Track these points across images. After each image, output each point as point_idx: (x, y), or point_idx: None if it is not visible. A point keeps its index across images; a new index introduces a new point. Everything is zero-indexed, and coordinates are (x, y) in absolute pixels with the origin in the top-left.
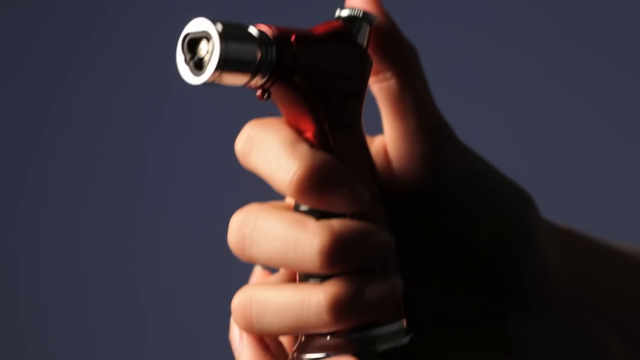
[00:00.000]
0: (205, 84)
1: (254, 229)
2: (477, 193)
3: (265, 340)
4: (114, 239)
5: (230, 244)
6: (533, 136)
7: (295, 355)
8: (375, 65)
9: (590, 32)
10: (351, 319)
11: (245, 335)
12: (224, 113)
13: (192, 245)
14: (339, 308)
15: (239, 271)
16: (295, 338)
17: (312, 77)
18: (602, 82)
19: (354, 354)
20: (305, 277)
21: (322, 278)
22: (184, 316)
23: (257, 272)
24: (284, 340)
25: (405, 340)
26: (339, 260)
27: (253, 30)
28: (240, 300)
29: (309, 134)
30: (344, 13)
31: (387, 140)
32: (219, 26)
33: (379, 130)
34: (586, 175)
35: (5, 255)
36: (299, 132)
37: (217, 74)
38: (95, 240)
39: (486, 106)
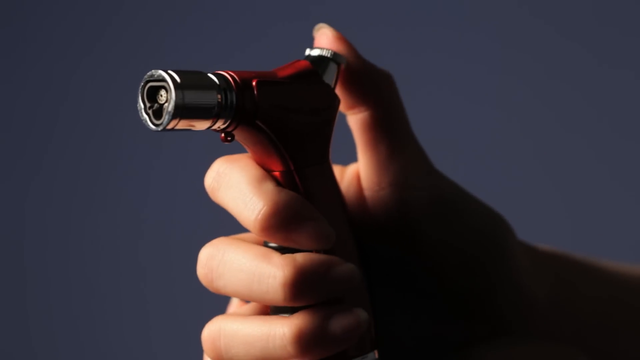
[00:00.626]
0: (165, 130)
1: (221, 262)
2: (447, 221)
3: None
4: (118, 244)
5: (199, 276)
6: (516, 156)
7: None
8: (348, 100)
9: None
10: (316, 351)
11: None
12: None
13: (172, 270)
14: (304, 340)
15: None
16: None
17: (275, 120)
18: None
19: None
20: (275, 310)
21: (291, 310)
22: (187, 319)
23: (234, 303)
24: None
25: None
26: (302, 292)
27: (212, 77)
28: (210, 331)
29: (276, 173)
30: (314, 53)
31: (359, 168)
32: (175, 76)
33: (354, 157)
34: (569, 193)
35: (10, 255)
36: (267, 170)
37: (175, 121)
38: (100, 245)
39: (472, 125)
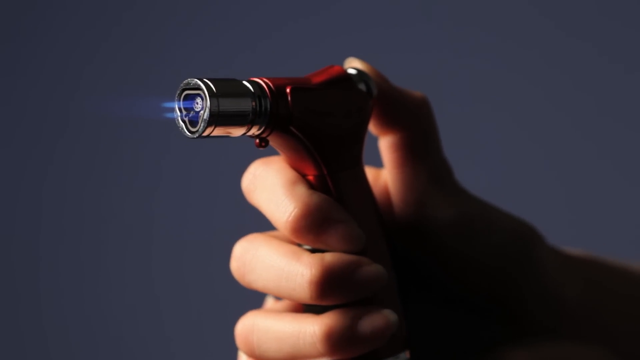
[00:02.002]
0: (200, 137)
1: (254, 257)
2: (472, 239)
3: None
4: (126, 246)
5: (232, 269)
6: (547, 159)
7: None
8: (381, 125)
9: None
10: (345, 351)
11: None
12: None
13: (210, 264)
14: (333, 340)
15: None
16: None
17: (309, 126)
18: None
19: None
20: (307, 308)
21: (323, 309)
22: (220, 314)
23: (270, 298)
24: None
25: None
26: (328, 291)
27: (246, 84)
28: (244, 326)
29: (310, 177)
30: (351, 71)
31: (387, 180)
32: (210, 84)
33: None
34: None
35: (23, 255)
36: (300, 174)
37: (211, 129)
38: (108, 244)
39: (498, 130)
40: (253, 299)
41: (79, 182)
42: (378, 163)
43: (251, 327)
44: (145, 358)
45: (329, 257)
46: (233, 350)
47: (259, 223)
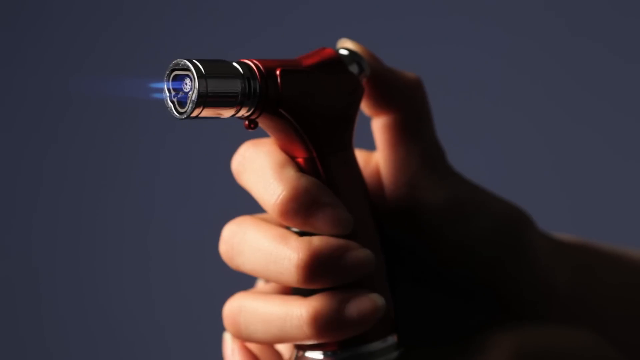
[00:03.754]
0: (189, 118)
1: (242, 240)
2: (462, 223)
3: (257, 353)
4: (122, 244)
5: (221, 252)
6: (538, 144)
7: None
8: (374, 105)
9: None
10: (332, 334)
11: (236, 350)
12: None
13: (200, 246)
14: (320, 323)
15: (230, 285)
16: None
17: (298, 108)
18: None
19: None
20: (295, 291)
21: (310, 292)
22: (192, 317)
23: (261, 281)
24: (285, 351)
25: (394, 355)
26: (315, 275)
27: (236, 65)
28: (231, 307)
29: (299, 159)
30: (342, 52)
31: (379, 162)
32: (199, 65)
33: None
34: (594, 184)
35: (18, 256)
36: (290, 156)
37: (199, 110)
38: (105, 244)
39: (491, 115)
40: (245, 284)
41: (73, 175)
42: (369, 146)
43: (238, 308)
44: (139, 346)
45: (316, 240)
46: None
47: (251, 205)
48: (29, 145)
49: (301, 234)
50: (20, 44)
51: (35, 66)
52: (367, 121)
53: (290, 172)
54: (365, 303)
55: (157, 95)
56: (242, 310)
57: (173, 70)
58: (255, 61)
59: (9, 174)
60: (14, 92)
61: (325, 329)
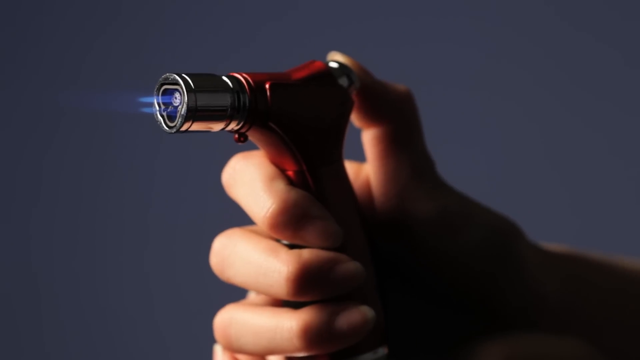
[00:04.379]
0: (179, 132)
1: (232, 252)
2: (452, 234)
3: None
4: (121, 243)
5: (212, 264)
6: (526, 154)
7: None
8: (365, 118)
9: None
10: (322, 346)
11: None
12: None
13: (175, 269)
14: (310, 335)
15: (220, 297)
16: None
17: (288, 121)
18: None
19: None
20: (285, 303)
21: (300, 304)
22: (199, 308)
23: (252, 294)
24: None
25: None
26: (305, 288)
27: (225, 79)
28: (222, 319)
29: (290, 172)
30: (332, 64)
31: (369, 173)
32: (188, 79)
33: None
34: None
35: (18, 255)
36: (280, 169)
37: (189, 124)
38: (104, 243)
39: (480, 124)
40: (239, 292)
41: (70, 173)
42: (359, 158)
43: (229, 320)
44: (135, 349)
45: (306, 253)
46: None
47: (242, 217)
48: (26, 147)
49: (291, 246)
50: (9, 55)
51: (26, 73)
52: (357, 133)
53: (280, 185)
54: (355, 315)
55: (146, 110)
56: (233, 322)
57: (162, 84)
58: (244, 75)
59: (9, 174)
60: (10, 94)
61: (316, 341)
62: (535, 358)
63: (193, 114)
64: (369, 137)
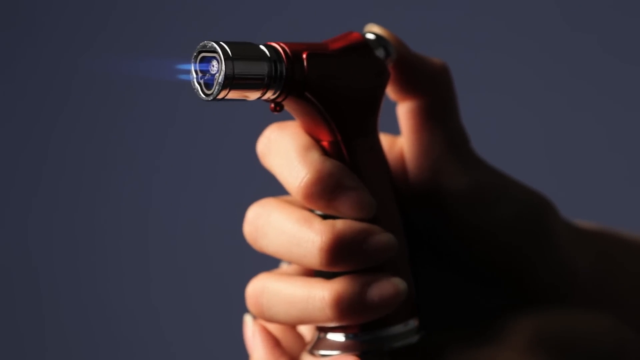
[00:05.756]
0: (215, 100)
1: (266, 222)
2: (484, 209)
3: (278, 335)
4: (126, 233)
5: (245, 233)
6: (562, 131)
7: (308, 349)
8: (401, 90)
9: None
10: (353, 317)
11: (257, 332)
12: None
13: (207, 238)
14: (342, 305)
15: (252, 267)
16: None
17: (324, 91)
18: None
19: (361, 353)
20: (318, 273)
21: (332, 275)
22: (197, 311)
23: (284, 264)
24: (307, 333)
25: (414, 339)
26: (338, 258)
27: (263, 48)
28: (254, 287)
29: (324, 143)
30: (369, 36)
31: (403, 146)
32: (226, 47)
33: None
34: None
35: (18, 255)
36: (315, 140)
37: (225, 92)
38: (108, 235)
39: (524, 108)
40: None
41: (74, 168)
42: (394, 131)
43: (261, 289)
44: (139, 343)
45: (339, 224)
46: (234, 341)
47: (276, 187)
48: (28, 143)
49: (325, 217)
50: (42, 21)
51: (36, 60)
52: (392, 106)
53: (315, 156)
54: (387, 287)
55: (183, 77)
56: (265, 291)
57: (200, 52)
58: (282, 44)
59: (9, 174)
60: (14, 89)
61: (347, 311)
62: (565, 332)
63: (230, 81)
64: (404, 110)
